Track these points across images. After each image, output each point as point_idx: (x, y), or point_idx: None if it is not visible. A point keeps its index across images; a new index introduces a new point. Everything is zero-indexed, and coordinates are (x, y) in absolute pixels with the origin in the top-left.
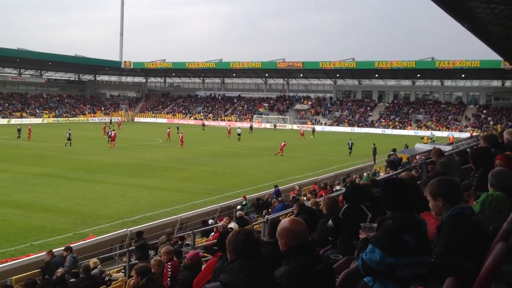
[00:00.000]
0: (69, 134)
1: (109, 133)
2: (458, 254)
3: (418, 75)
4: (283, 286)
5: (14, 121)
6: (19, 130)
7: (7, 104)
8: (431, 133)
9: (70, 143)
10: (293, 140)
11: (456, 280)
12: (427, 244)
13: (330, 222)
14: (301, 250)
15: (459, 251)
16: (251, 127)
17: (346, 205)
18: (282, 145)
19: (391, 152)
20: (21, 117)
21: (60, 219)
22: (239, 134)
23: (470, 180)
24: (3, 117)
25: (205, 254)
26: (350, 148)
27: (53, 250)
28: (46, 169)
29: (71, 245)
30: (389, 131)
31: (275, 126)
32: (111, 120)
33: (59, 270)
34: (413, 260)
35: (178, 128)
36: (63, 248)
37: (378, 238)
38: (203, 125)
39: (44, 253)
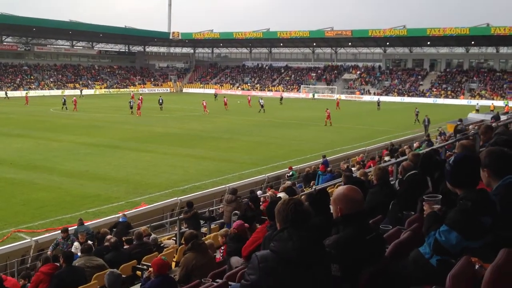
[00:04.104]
0: (131, 103)
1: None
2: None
3: (472, 42)
4: (332, 255)
5: (67, 92)
6: (64, 101)
7: (60, 76)
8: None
9: (132, 111)
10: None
11: (510, 251)
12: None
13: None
14: (354, 219)
15: None
16: (281, 98)
17: (413, 171)
18: (327, 114)
19: (458, 122)
20: (74, 88)
21: (112, 188)
22: (262, 106)
23: None
24: (57, 88)
25: None
26: (416, 116)
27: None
28: (97, 139)
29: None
30: (440, 100)
31: (313, 96)
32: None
33: (110, 236)
34: (486, 241)
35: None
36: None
37: (455, 220)
38: (215, 95)
39: (98, 220)
